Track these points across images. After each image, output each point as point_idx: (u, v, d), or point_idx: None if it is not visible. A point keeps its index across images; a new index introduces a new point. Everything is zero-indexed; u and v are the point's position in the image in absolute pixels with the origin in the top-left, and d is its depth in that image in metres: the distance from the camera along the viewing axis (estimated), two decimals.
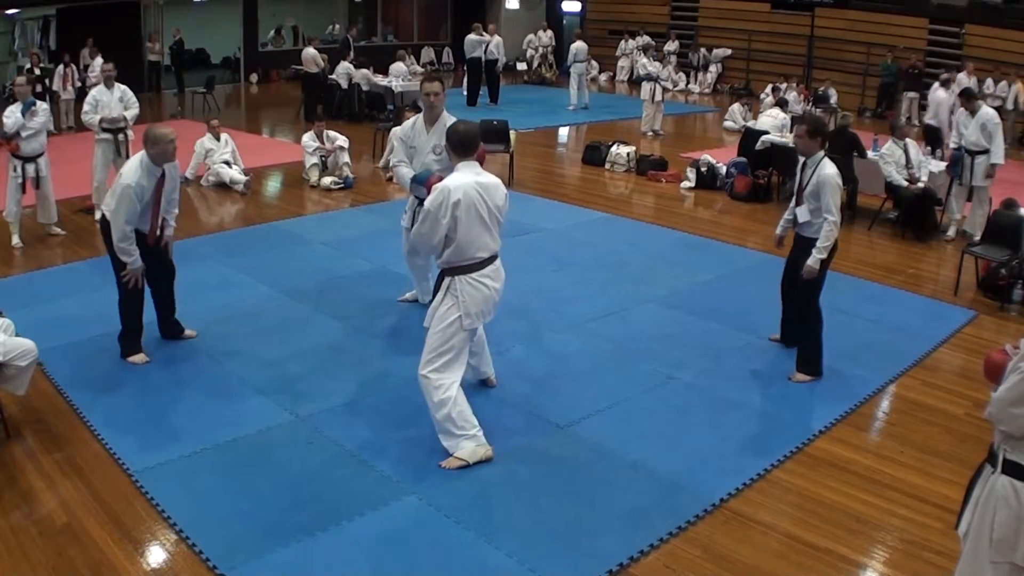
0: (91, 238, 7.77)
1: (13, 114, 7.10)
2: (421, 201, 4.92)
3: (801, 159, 5.29)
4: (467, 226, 3.98)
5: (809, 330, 5.19)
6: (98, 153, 7.96)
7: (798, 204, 5.17)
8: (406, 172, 5.46)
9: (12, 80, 7.65)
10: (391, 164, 5.64)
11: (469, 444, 4.17)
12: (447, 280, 4.10)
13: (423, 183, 4.93)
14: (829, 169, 5.03)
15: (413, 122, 5.62)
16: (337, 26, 20.75)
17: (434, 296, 4.23)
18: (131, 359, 5.12)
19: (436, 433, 4.25)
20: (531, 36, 20.99)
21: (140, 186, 4.84)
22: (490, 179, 4.16)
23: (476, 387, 4.98)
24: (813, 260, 5.00)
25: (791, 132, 10.07)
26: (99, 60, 12.49)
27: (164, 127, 5.04)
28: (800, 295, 5.19)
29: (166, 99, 16.90)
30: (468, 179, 4.04)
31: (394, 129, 5.63)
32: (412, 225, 5.05)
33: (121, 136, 7.97)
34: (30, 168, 7.29)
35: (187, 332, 5.49)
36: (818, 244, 4.99)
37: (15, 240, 7.38)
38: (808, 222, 5.09)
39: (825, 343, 5.29)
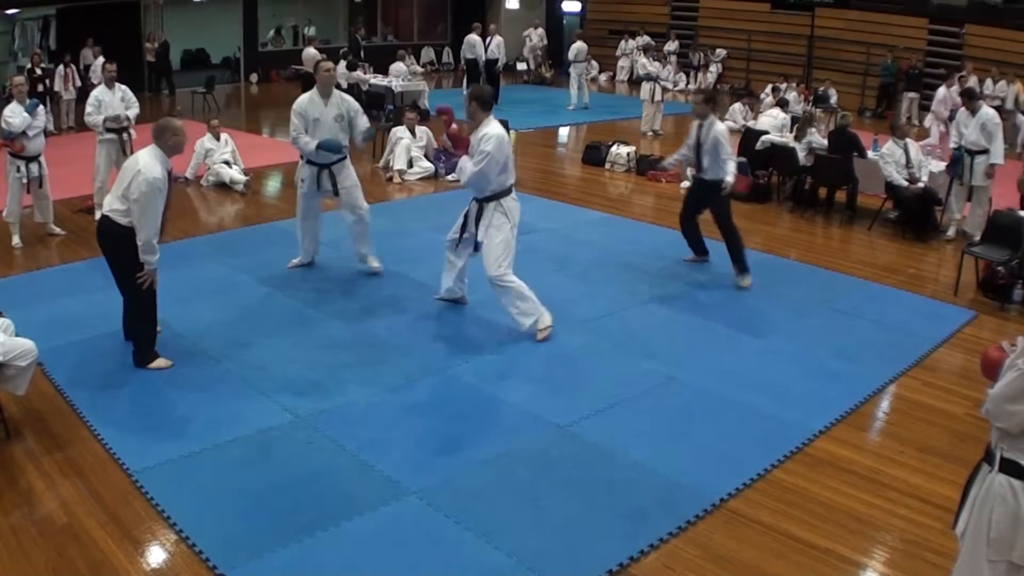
0: (91, 238, 7.71)
1: (19, 113, 7.10)
2: (321, 167, 6.33)
3: (697, 121, 6.84)
4: (506, 159, 5.36)
5: (734, 245, 6.77)
6: (101, 153, 7.96)
7: (699, 157, 6.79)
8: (308, 140, 6.31)
9: (10, 80, 7.63)
10: (292, 136, 6.40)
11: (546, 316, 5.56)
12: (492, 204, 5.44)
13: (333, 148, 6.27)
14: (720, 126, 6.76)
15: (309, 98, 6.40)
16: (313, 27, 20.65)
17: (476, 227, 5.53)
18: (154, 365, 5.02)
19: (437, 433, 4.24)
20: (526, 35, 20.94)
21: (163, 179, 4.73)
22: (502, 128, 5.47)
23: (476, 385, 5.00)
24: (731, 178, 6.61)
25: (791, 132, 10.09)
26: (100, 60, 12.54)
27: (175, 119, 5.00)
28: (719, 224, 6.83)
29: (165, 99, 16.87)
30: (497, 128, 5.36)
31: (293, 106, 6.45)
32: (316, 189, 6.49)
33: (125, 135, 7.98)
34: (33, 168, 7.30)
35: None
36: (728, 169, 6.60)
37: (15, 240, 7.38)
38: (708, 168, 6.74)
39: (826, 343, 5.64)
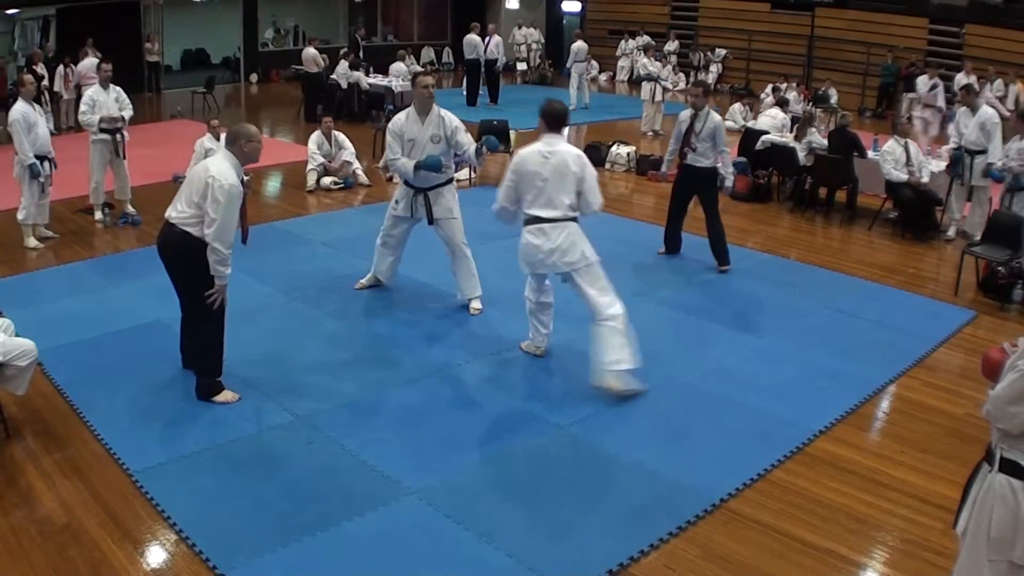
0: (91, 238, 7.78)
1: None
2: (418, 190, 5.84)
3: (692, 111, 7.06)
4: (524, 187, 4.81)
5: (719, 235, 7.07)
6: (94, 153, 7.96)
7: (690, 146, 6.98)
8: (405, 162, 5.78)
9: (18, 79, 7.62)
10: (388, 160, 5.94)
11: (527, 338, 5.38)
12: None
13: (433, 166, 5.71)
14: (716, 117, 7.03)
15: (405, 116, 5.88)
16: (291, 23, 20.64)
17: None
18: (219, 399, 4.67)
19: (437, 433, 4.33)
20: (515, 39, 20.81)
21: (239, 188, 4.39)
22: (562, 150, 4.83)
23: (476, 385, 4.99)
24: (730, 182, 7.11)
25: (791, 132, 10.08)
26: (90, 61, 12.43)
27: (250, 125, 4.64)
28: (707, 211, 7.09)
29: (166, 98, 16.87)
30: (537, 147, 4.84)
31: (388, 126, 6.01)
32: (410, 215, 5.97)
33: (118, 136, 7.98)
34: (47, 166, 7.26)
35: None
36: (727, 171, 7.06)
37: (32, 242, 7.34)
38: (703, 155, 6.98)
39: (826, 343, 5.65)
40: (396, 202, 6.07)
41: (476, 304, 6.05)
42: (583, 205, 4.85)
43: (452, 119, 5.88)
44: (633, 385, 4.83)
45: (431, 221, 5.92)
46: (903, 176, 8.14)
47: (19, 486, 3.96)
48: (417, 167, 5.73)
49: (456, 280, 6.11)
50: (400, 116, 5.92)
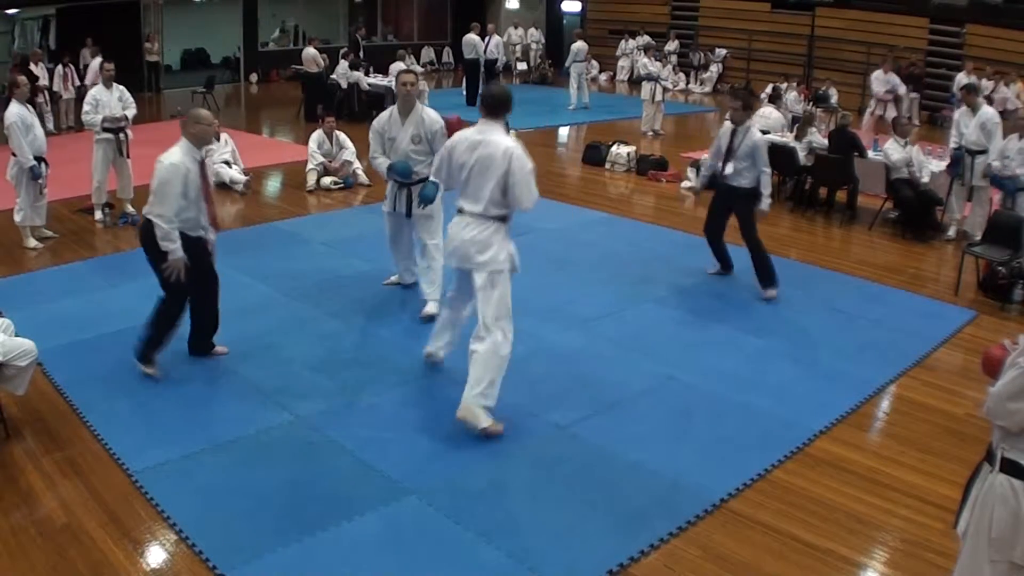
0: (91, 238, 7.78)
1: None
2: (401, 185, 5.87)
3: (731, 126, 6.50)
4: (452, 175, 4.51)
5: (760, 257, 6.49)
6: (98, 153, 7.96)
7: (725, 163, 6.48)
8: (383, 161, 5.87)
9: (12, 79, 7.62)
10: (370, 157, 6.01)
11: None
12: None
13: (401, 172, 5.73)
14: (757, 134, 6.50)
15: (389, 113, 5.89)
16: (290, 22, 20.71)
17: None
18: (144, 368, 4.90)
19: (436, 432, 4.36)
20: (510, 32, 20.79)
21: (184, 166, 4.66)
22: (492, 140, 4.37)
23: None
24: (765, 205, 6.48)
25: (791, 132, 10.09)
26: (98, 59, 12.47)
27: (202, 110, 4.96)
28: (744, 232, 6.54)
29: (166, 98, 16.87)
30: (468, 134, 4.46)
31: (372, 123, 6.06)
32: (392, 210, 6.02)
33: (122, 135, 7.98)
34: (43, 167, 7.26)
35: (218, 348, 5.26)
36: (764, 192, 6.45)
37: (32, 243, 7.35)
38: (735, 174, 6.46)
39: (826, 343, 5.64)
40: (385, 198, 6.17)
41: (431, 308, 5.81)
42: (512, 202, 4.37)
43: (434, 121, 5.77)
44: (485, 423, 4.36)
45: (409, 215, 5.90)
46: (904, 155, 8.15)
47: (19, 486, 3.96)
48: (389, 168, 5.79)
49: (420, 278, 6.08)
50: (384, 114, 5.94)
